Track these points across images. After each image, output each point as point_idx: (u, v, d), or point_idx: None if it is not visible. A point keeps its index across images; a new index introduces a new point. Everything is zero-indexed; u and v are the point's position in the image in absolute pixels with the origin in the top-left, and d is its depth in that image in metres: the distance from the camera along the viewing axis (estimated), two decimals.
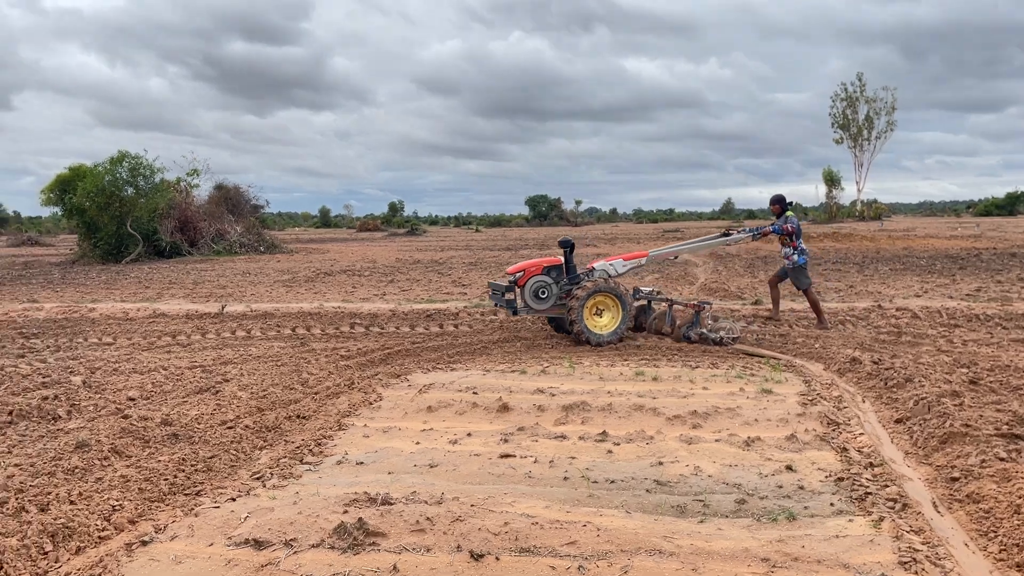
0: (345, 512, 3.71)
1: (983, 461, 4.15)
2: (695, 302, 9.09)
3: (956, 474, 4.15)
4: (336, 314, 11.19)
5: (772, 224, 9.66)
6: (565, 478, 4.37)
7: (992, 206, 69.48)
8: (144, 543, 3.51)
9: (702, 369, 7.25)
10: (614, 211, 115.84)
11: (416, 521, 3.59)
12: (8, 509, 3.60)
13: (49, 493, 3.80)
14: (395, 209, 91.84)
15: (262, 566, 3.26)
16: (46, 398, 5.80)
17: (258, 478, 4.43)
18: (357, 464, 4.70)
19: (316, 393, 6.31)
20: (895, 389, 6.03)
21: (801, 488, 4.15)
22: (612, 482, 4.30)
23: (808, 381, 6.65)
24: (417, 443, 5.12)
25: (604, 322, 8.67)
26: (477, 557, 3.27)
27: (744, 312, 10.67)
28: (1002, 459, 4.13)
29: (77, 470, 4.18)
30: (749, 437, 5.04)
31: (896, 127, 62.96)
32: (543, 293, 8.74)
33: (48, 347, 8.80)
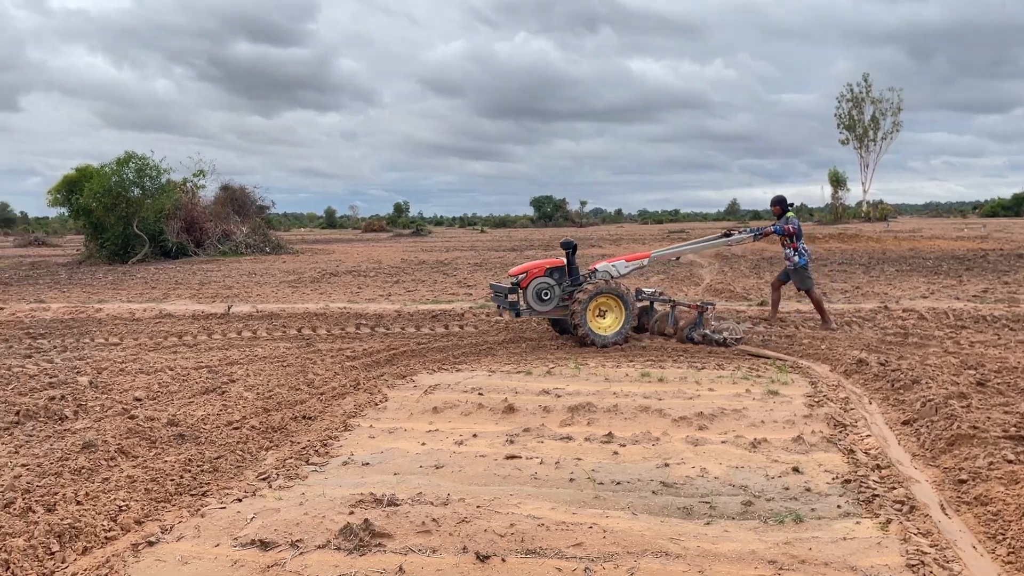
0: (351, 513, 3.71)
1: (991, 463, 4.13)
2: (698, 303, 9.07)
3: (964, 476, 4.13)
4: (342, 315, 11.20)
5: (773, 225, 9.67)
6: (571, 479, 4.37)
7: (998, 207, 69.25)
8: (150, 544, 3.52)
9: (708, 370, 7.23)
10: (619, 212, 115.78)
11: (422, 522, 3.59)
12: (15, 509, 3.61)
13: (56, 493, 3.81)
14: (400, 210, 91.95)
15: (268, 567, 3.26)
16: (53, 398, 5.82)
17: (264, 479, 4.43)
18: (363, 465, 4.70)
19: (322, 394, 6.32)
20: (902, 391, 6.00)
21: (808, 490, 4.14)
22: (618, 483, 4.29)
23: (815, 382, 6.63)
24: (423, 444, 5.12)
25: (607, 323, 8.66)
26: (483, 558, 3.27)
27: (750, 313, 10.65)
28: (1010, 461, 4.11)
29: (84, 470, 4.19)
30: (755, 439, 5.02)
31: (902, 128, 62.91)
32: (546, 295, 8.74)
33: (55, 347, 8.83)
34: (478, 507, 3.80)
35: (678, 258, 19.65)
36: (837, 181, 62.96)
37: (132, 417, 5.14)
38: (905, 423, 5.32)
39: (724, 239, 9.67)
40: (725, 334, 8.54)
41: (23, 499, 3.70)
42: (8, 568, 3.17)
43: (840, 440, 4.96)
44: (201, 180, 30.82)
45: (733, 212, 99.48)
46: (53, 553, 3.35)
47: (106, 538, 3.56)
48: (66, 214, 30.07)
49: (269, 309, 11.99)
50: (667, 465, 4.58)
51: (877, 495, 3.98)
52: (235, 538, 3.54)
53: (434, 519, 3.62)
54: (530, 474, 4.46)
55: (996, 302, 11.24)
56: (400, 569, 3.19)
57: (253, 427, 5.26)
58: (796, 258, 9.53)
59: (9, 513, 3.57)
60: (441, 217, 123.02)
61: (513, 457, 4.75)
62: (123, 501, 3.88)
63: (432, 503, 3.86)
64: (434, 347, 8.68)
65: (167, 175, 28.50)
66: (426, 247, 34.80)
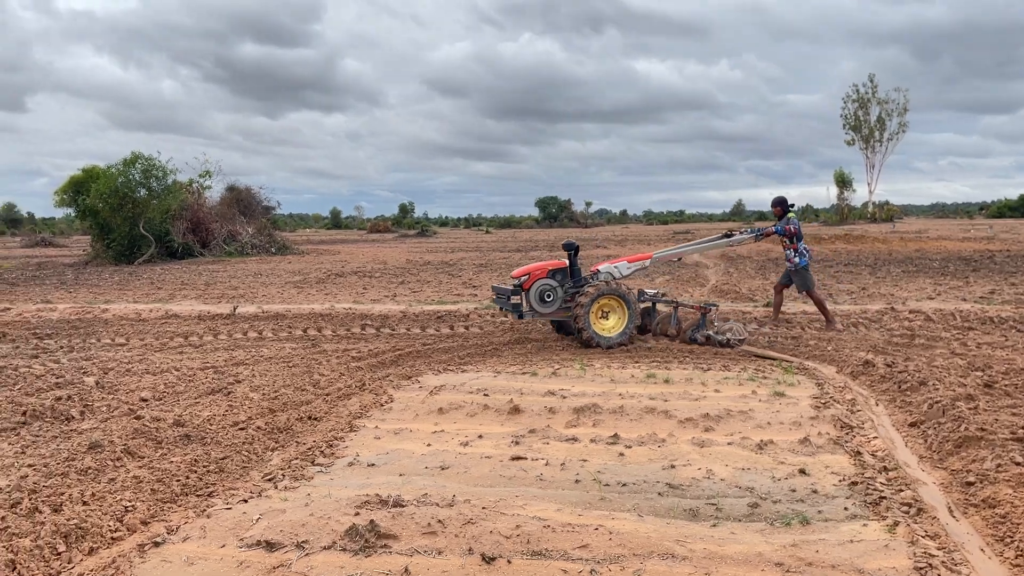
0: (357, 514, 3.71)
1: (999, 465, 4.11)
2: (701, 304, 9.07)
3: (971, 478, 4.11)
4: (347, 315, 11.21)
5: (774, 225, 9.68)
6: (577, 481, 4.36)
7: (1005, 208, 68.95)
8: (156, 544, 3.52)
9: (714, 371, 7.22)
10: (624, 213, 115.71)
11: (428, 523, 3.59)
12: (22, 509, 3.62)
13: (62, 494, 3.82)
14: (405, 210, 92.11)
15: (274, 568, 3.26)
16: (59, 399, 5.84)
17: (270, 479, 4.44)
18: (368, 466, 4.70)
19: (327, 394, 6.32)
20: (909, 392, 5.98)
21: (814, 492, 4.12)
22: (624, 485, 4.28)
23: (821, 384, 6.61)
24: (428, 445, 5.12)
25: (611, 324, 8.64)
26: (489, 560, 3.27)
27: (756, 315, 10.62)
28: (1018, 463, 4.08)
29: (90, 471, 4.20)
30: (762, 440, 5.01)
31: (908, 128, 62.61)
32: (548, 296, 8.73)
33: (61, 348, 8.86)
34: (484, 508, 3.80)
35: (680, 259, 19.63)
36: (843, 182, 62.80)
37: (138, 417, 5.15)
38: (912, 425, 5.30)
39: (725, 240, 9.67)
40: (728, 335, 8.52)
41: (29, 499, 3.71)
42: (15, 568, 3.18)
43: (847, 442, 4.94)
44: (207, 181, 30.96)
45: (739, 213, 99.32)
46: (59, 553, 3.36)
47: (112, 539, 3.56)
48: (72, 215, 30.15)
49: (275, 310, 12.01)
50: (673, 467, 4.56)
51: (884, 497, 3.96)
52: (241, 539, 3.55)
53: (440, 520, 3.61)
54: (536, 475, 4.45)
55: (1003, 303, 11.19)
56: (406, 570, 3.19)
57: (259, 428, 5.26)
58: (796, 259, 9.55)
59: (16, 513, 3.58)
60: (446, 218, 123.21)
61: (519, 458, 4.75)
62: (129, 502, 3.88)
63: (438, 504, 3.86)
64: (439, 348, 8.68)
65: (173, 176, 28.63)
66: (431, 248, 34.83)
